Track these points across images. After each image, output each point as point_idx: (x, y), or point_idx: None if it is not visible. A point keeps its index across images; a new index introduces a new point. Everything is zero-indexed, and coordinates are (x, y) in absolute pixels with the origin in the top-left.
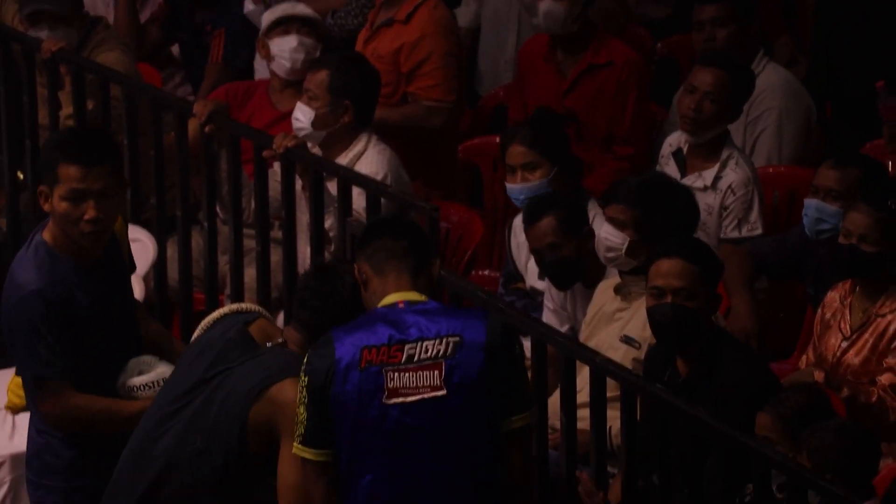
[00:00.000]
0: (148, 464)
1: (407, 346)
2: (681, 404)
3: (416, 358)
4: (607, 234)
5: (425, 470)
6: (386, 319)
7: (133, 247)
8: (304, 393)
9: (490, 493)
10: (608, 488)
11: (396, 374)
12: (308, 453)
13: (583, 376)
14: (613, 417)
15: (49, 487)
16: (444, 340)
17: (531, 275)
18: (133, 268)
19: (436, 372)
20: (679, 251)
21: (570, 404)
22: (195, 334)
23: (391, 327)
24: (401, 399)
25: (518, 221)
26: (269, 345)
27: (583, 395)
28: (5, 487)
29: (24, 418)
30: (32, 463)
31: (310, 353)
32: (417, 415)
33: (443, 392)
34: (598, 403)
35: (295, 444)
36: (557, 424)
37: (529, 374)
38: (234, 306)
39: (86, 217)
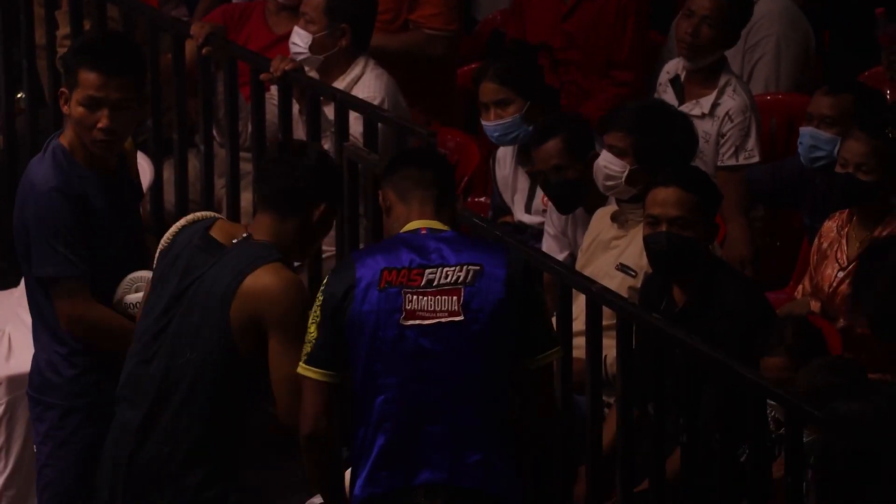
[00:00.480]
0: (145, 387)
1: (427, 271)
2: (677, 333)
3: (435, 282)
4: (606, 163)
5: (437, 394)
6: (408, 244)
7: None
8: (318, 312)
9: (497, 424)
10: (604, 418)
11: (415, 297)
12: (312, 372)
13: (578, 304)
14: (609, 346)
15: (48, 404)
16: (465, 268)
17: (518, 208)
18: (140, 190)
19: (454, 297)
20: (677, 180)
21: (566, 333)
22: (157, 253)
23: (413, 251)
24: (418, 321)
25: (502, 153)
26: (234, 241)
27: (578, 323)
28: (1, 408)
29: (20, 339)
30: (34, 379)
31: (329, 275)
32: (434, 338)
33: (460, 318)
34: (593, 332)
35: (301, 363)
36: None
37: None
38: (189, 217)
39: (99, 125)
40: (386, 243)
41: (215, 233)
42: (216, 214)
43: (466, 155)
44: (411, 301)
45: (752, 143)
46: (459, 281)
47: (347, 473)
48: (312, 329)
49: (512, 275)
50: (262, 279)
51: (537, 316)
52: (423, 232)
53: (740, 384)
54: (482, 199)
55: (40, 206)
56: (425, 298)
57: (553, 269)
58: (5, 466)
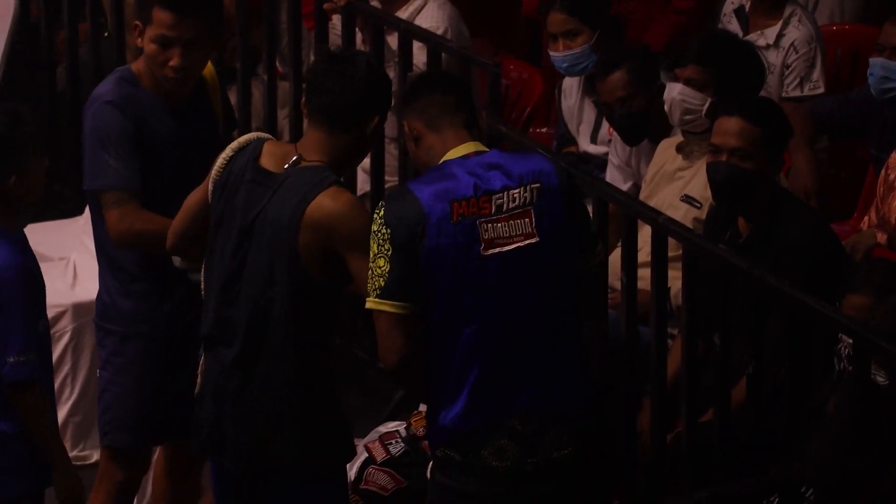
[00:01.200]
0: (235, 327)
1: (494, 197)
2: (743, 264)
3: (504, 208)
4: (684, 97)
5: (524, 319)
6: (464, 171)
7: None
8: (387, 245)
9: (576, 343)
10: (668, 350)
11: (490, 225)
12: (387, 306)
13: (642, 235)
14: (673, 277)
15: (108, 330)
16: (527, 188)
17: (583, 138)
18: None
19: (527, 220)
20: (742, 110)
21: (632, 264)
22: (210, 183)
23: (472, 178)
24: (497, 249)
25: (568, 84)
26: (286, 167)
27: (642, 254)
28: (67, 336)
29: (85, 268)
30: (97, 306)
31: (387, 206)
32: (514, 264)
33: (536, 239)
34: (659, 263)
35: (370, 298)
36: (616, 284)
37: None
38: (234, 144)
39: (171, 63)
40: (440, 173)
41: (265, 161)
42: (261, 135)
43: (529, 86)
44: (487, 230)
45: (817, 74)
46: (527, 202)
47: None
48: (381, 262)
49: (563, 182)
50: (325, 206)
51: (585, 215)
52: (472, 156)
53: (806, 315)
54: (544, 130)
55: (95, 117)
56: (500, 225)
57: (619, 199)
58: (71, 393)
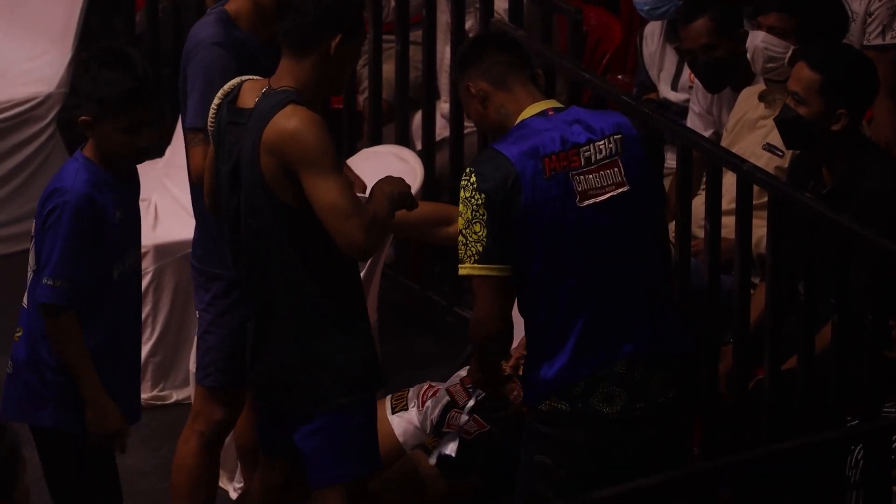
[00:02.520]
0: (241, 268)
1: (582, 150)
2: (828, 212)
3: (593, 159)
4: (767, 44)
5: (624, 267)
6: (547, 127)
7: None
8: (482, 211)
9: (671, 283)
10: (751, 297)
11: (582, 177)
12: (490, 270)
13: (724, 183)
14: (756, 226)
15: (213, 275)
16: (611, 139)
17: (664, 84)
18: None
19: (616, 169)
20: (806, 56)
21: (716, 212)
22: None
23: (558, 132)
24: (592, 200)
25: (650, 29)
26: (256, 100)
27: (724, 202)
28: (149, 276)
29: (166, 209)
30: (197, 249)
31: (477, 169)
32: (610, 213)
33: (626, 187)
34: (744, 211)
35: (468, 264)
36: (698, 232)
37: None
38: (220, 92)
39: None
40: (524, 132)
41: (242, 100)
42: (244, 77)
43: (608, 33)
44: (580, 182)
45: None
46: (613, 153)
47: None
48: (477, 228)
49: (642, 134)
50: (278, 125)
51: (659, 166)
52: (551, 113)
53: (892, 263)
54: (620, 77)
55: (204, 59)
56: (591, 176)
57: (703, 146)
58: (152, 333)
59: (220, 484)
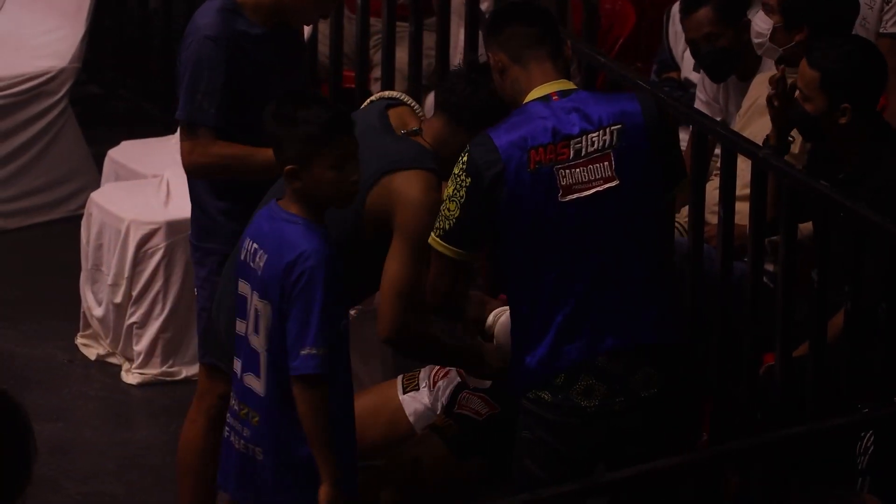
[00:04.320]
0: None
1: (573, 142)
2: (842, 199)
3: (583, 152)
4: (757, 20)
5: (608, 261)
6: (544, 115)
7: None
8: (463, 193)
9: (665, 273)
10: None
11: (568, 171)
12: (444, 248)
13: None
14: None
15: (208, 250)
16: (607, 130)
17: (686, 65)
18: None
19: (605, 163)
20: (808, 53)
21: (730, 197)
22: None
23: (552, 123)
24: (576, 195)
25: (677, 8)
26: (402, 132)
27: (737, 188)
28: (160, 253)
29: (178, 186)
30: (194, 226)
31: (470, 151)
32: (595, 208)
33: (615, 182)
34: (758, 198)
35: (433, 236)
36: (711, 218)
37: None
38: (385, 93)
39: None
40: (520, 118)
41: (392, 116)
42: (408, 100)
43: (621, 18)
44: (565, 176)
45: None
46: (606, 145)
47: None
48: (452, 207)
49: (649, 119)
50: (409, 182)
51: (675, 146)
52: (555, 98)
53: None
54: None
55: (192, 50)
56: (578, 170)
57: (719, 133)
58: (163, 309)
59: None
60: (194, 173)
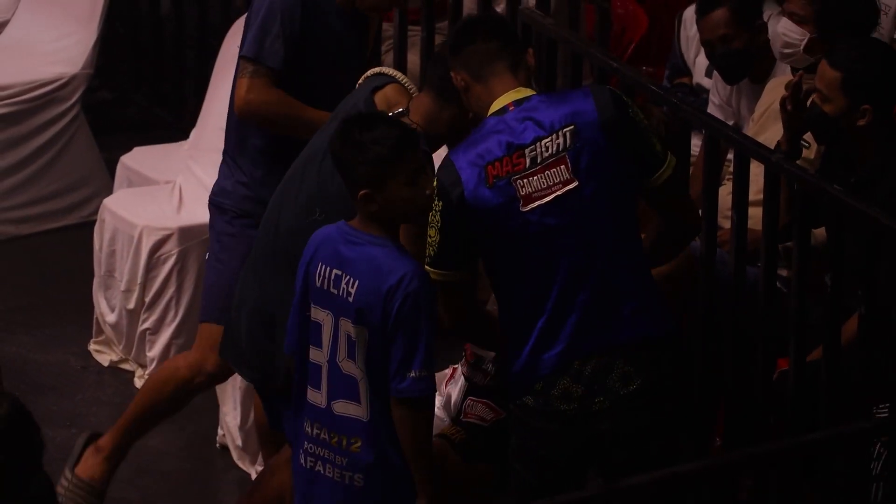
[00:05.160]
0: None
1: (527, 150)
2: (856, 203)
3: (539, 159)
4: (785, 30)
5: (580, 263)
6: (498, 129)
7: None
8: (438, 217)
9: (640, 265)
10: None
11: (526, 181)
12: (434, 274)
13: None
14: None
15: (222, 208)
16: (560, 133)
17: (698, 70)
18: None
19: (562, 166)
20: (830, 54)
21: (742, 202)
22: None
23: (505, 136)
24: (537, 203)
25: (689, 13)
26: (389, 115)
27: (750, 192)
28: (173, 259)
29: (190, 192)
30: (214, 188)
31: (439, 174)
32: (557, 212)
33: (575, 183)
34: (771, 203)
35: (426, 266)
36: (724, 223)
37: (697, 170)
38: (378, 69)
39: None
40: (477, 136)
41: (378, 99)
42: (400, 77)
43: (634, 23)
44: (524, 186)
45: None
46: (560, 148)
47: None
48: (433, 233)
49: (604, 114)
50: None
51: (640, 136)
52: (511, 109)
53: None
54: (646, 69)
55: None
56: (536, 178)
57: (732, 137)
58: (176, 315)
59: (243, 467)
60: (245, 112)
